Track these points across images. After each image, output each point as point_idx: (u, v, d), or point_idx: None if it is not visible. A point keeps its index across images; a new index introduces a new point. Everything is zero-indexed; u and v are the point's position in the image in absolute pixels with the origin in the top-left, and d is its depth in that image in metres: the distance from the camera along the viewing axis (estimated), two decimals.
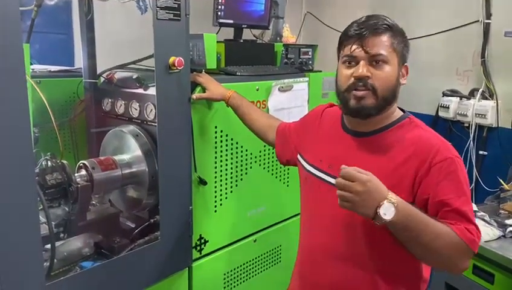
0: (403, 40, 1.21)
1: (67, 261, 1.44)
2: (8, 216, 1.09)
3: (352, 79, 1.17)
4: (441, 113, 2.63)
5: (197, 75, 1.64)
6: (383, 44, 1.16)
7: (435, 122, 2.68)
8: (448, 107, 2.58)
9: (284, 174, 2.10)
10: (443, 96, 2.63)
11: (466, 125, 2.55)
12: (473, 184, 2.49)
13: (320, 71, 2.26)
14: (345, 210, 1.11)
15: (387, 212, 1.04)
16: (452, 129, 2.63)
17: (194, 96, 1.57)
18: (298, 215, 2.24)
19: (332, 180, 1.18)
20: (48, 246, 1.29)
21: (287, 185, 2.12)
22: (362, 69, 1.16)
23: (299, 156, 1.45)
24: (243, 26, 2.09)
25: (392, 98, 1.19)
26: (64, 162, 1.45)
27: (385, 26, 1.17)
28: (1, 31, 1.01)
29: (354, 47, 1.17)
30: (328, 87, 2.22)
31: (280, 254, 2.16)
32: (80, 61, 1.92)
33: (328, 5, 3.34)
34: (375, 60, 1.16)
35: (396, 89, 1.20)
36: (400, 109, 1.28)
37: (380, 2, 3.02)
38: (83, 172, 1.51)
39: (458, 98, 2.56)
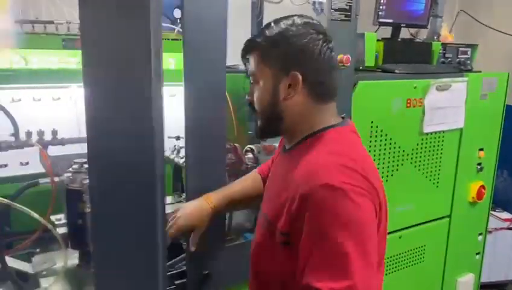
0: (283, 49, 1.03)
1: (234, 231, 1.64)
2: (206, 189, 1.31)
3: None
4: None
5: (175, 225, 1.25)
6: (253, 62, 1.07)
7: None
8: None
9: (435, 175, 2.08)
10: None
11: None
12: None
13: (480, 72, 2.18)
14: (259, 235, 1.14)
15: None
16: None
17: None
18: (446, 217, 2.21)
19: None
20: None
21: (437, 186, 2.09)
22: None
23: None
24: (402, 25, 2.11)
25: (272, 114, 1.05)
26: (237, 145, 1.66)
27: (252, 42, 1.08)
28: (212, 32, 1.24)
29: None
30: (487, 88, 2.14)
31: (424, 253, 2.14)
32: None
33: (483, 4, 3.14)
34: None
35: (275, 106, 1.04)
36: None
37: None
38: (250, 155, 1.70)
39: None
